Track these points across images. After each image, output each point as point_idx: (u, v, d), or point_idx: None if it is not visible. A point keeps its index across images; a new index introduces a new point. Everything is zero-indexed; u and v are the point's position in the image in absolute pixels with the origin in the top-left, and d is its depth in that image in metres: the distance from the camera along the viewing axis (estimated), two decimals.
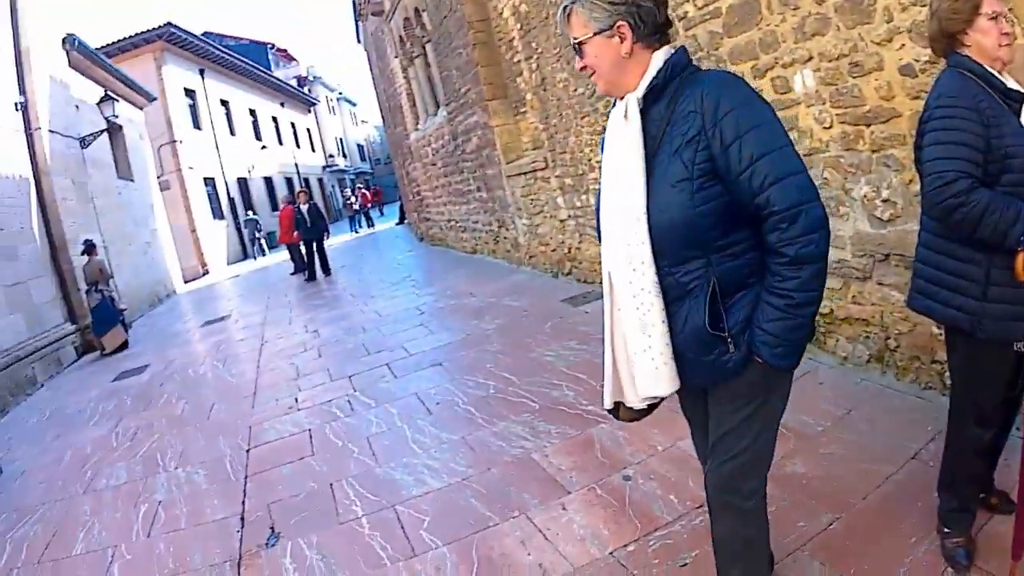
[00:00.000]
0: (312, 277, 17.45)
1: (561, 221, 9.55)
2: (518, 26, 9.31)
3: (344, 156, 65.80)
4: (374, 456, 5.34)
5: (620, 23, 2.24)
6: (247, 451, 6.17)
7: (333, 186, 58.14)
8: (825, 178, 4.69)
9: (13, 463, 7.80)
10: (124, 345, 14.08)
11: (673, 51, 2.29)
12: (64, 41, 17.52)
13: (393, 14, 15.70)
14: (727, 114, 2.11)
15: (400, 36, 15.59)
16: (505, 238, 11.40)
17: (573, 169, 8.76)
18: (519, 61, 9.73)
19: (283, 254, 22.05)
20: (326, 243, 17.88)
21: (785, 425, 3.92)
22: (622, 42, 2.26)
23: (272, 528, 4.60)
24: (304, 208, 17.60)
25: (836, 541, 3.16)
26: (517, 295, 9.32)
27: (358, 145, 72.96)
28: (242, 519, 4.88)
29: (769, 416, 2.43)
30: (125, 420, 8.34)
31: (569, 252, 9.54)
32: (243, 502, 5.14)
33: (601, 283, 2.42)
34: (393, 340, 8.70)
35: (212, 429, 7.12)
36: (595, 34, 2.27)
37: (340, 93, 69.72)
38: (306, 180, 48.86)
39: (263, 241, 34.71)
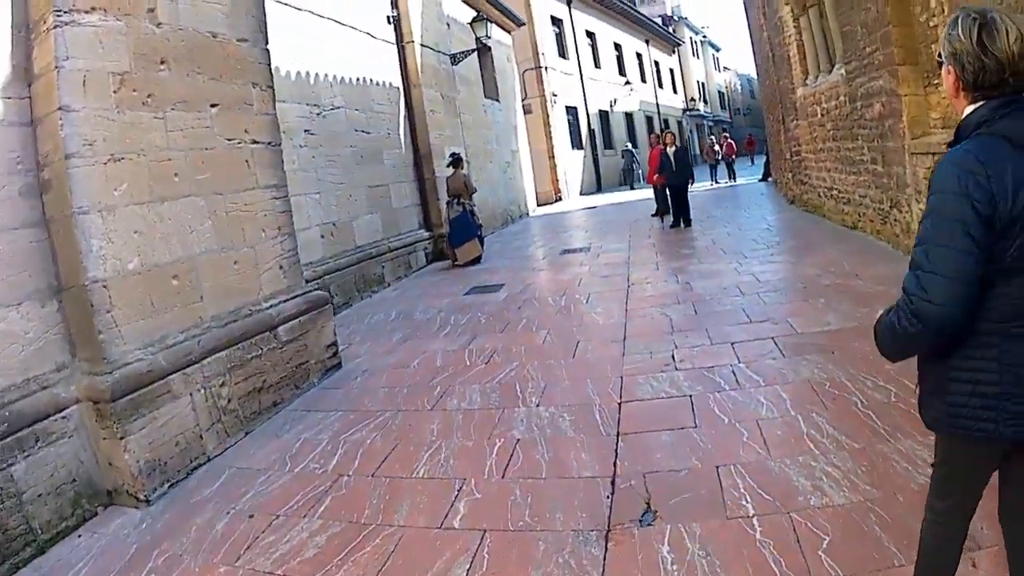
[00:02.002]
0: (676, 224, 16.62)
1: None
2: None
3: (705, 101, 65.20)
4: (765, 445, 4.56)
5: (949, 63, 2.21)
6: (619, 404, 5.57)
7: (691, 131, 57.55)
8: None
9: (355, 359, 7.89)
10: (477, 260, 14.41)
11: (974, 110, 2.20)
12: None
13: None
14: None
15: None
16: (896, 220, 10.05)
17: None
18: (935, 25, 8.34)
19: (642, 192, 21.66)
20: (689, 190, 17.05)
21: None
22: (949, 79, 2.26)
23: (648, 504, 4.02)
24: (671, 151, 16.77)
25: None
26: None
27: (719, 92, 71.75)
28: (612, 483, 4.34)
29: None
30: (480, 339, 8.19)
31: None
32: (614, 463, 4.59)
33: None
34: (775, 311, 7.75)
35: (578, 369, 6.62)
36: (941, 59, 2.27)
37: (704, 36, 68.84)
38: (665, 121, 48.94)
39: (640, 173, 34.45)
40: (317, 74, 11.90)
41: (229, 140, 6.53)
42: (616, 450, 4.81)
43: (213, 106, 6.39)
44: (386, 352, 8.10)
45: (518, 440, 5.16)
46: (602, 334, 7.78)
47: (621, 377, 6.20)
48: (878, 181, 10.82)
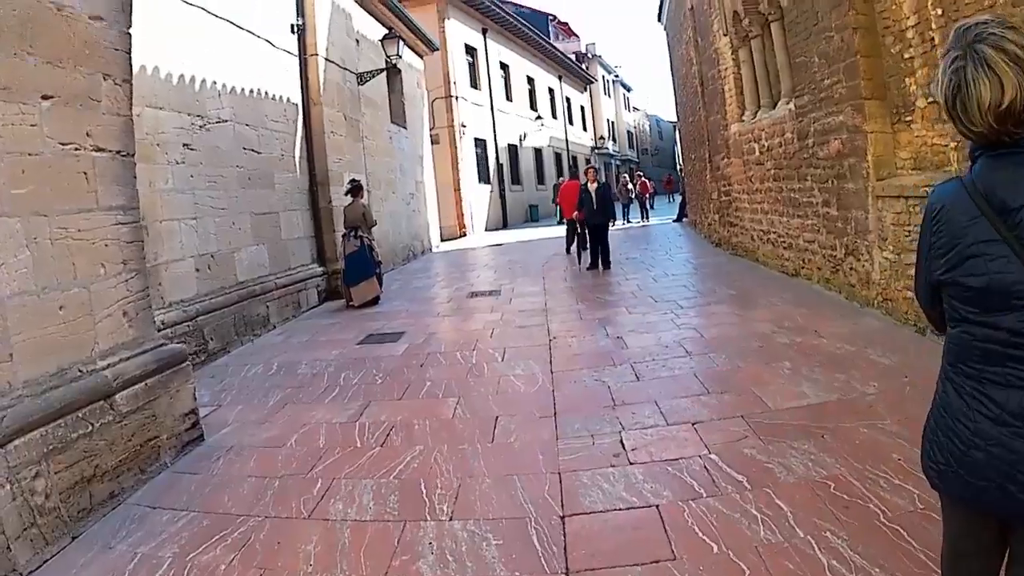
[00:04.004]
0: (594, 265, 15.58)
1: None
2: (937, 11, 7.06)
3: (613, 140, 66.32)
4: None
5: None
6: (562, 518, 4.10)
7: (599, 168, 57.76)
8: None
9: (222, 429, 6.39)
10: (375, 301, 13.21)
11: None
12: None
13: None
14: None
15: (736, 11, 13.48)
16: (852, 269, 9.14)
17: None
18: (912, 57, 7.63)
19: (548, 229, 20.64)
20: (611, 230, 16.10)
21: None
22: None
23: None
24: (592, 188, 15.79)
25: None
26: (880, 348, 6.84)
27: (628, 131, 72.87)
28: None
29: None
30: (375, 406, 6.73)
31: None
32: None
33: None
34: (737, 378, 6.48)
35: (501, 459, 5.15)
36: None
37: (617, 75, 70.50)
38: (574, 158, 49.59)
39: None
40: (204, 80, 10.39)
41: (63, 145, 5.01)
42: None
43: (45, 98, 4.89)
44: (260, 421, 6.59)
45: None
46: (526, 406, 6.37)
47: (559, 474, 4.77)
48: (831, 226, 9.88)
